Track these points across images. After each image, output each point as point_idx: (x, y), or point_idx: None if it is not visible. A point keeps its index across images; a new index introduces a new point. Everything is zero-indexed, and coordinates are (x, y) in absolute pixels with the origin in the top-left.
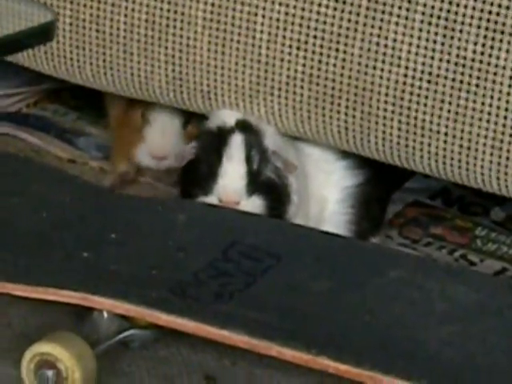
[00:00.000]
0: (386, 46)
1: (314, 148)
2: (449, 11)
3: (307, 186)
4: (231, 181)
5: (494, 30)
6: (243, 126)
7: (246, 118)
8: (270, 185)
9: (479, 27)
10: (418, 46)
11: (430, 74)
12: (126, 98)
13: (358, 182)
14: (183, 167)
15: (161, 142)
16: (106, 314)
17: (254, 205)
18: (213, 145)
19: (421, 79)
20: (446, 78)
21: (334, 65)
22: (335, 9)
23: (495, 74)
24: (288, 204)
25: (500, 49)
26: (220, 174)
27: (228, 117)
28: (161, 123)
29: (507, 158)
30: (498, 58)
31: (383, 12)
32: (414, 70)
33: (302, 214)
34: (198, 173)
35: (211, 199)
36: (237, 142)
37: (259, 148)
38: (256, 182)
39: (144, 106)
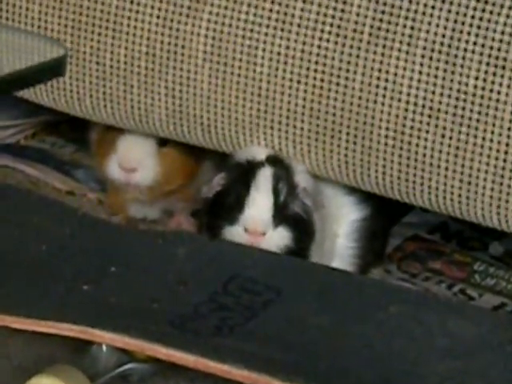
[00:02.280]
0: (386, 80)
1: (327, 184)
2: (450, 46)
3: (324, 223)
4: (258, 211)
5: (496, 65)
6: (273, 161)
7: (277, 154)
8: (296, 219)
9: (480, 62)
10: (418, 81)
11: (430, 108)
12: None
13: (363, 216)
14: (210, 198)
15: (130, 153)
16: (105, 348)
17: (280, 237)
18: (241, 177)
19: (421, 113)
20: (446, 112)
21: (335, 99)
22: (336, 43)
23: (496, 109)
24: (311, 241)
25: (501, 84)
26: (247, 204)
27: (258, 152)
28: (134, 136)
29: (507, 194)
30: (499, 93)
31: (384, 46)
32: (415, 104)
33: (319, 250)
34: (225, 203)
35: (237, 229)
36: (266, 174)
37: (288, 182)
38: (282, 215)
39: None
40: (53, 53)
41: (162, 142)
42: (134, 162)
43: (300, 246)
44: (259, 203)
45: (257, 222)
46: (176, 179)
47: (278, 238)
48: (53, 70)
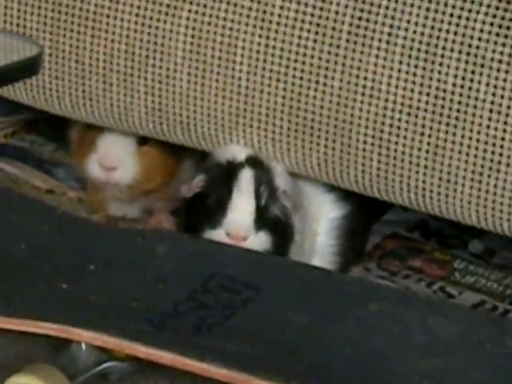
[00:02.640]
0: (365, 78)
1: (306, 182)
2: (428, 44)
3: (304, 222)
4: (241, 216)
5: (474, 63)
6: (253, 162)
7: (257, 155)
8: (276, 222)
9: (459, 60)
10: (397, 79)
11: (409, 106)
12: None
13: (343, 214)
14: (189, 199)
15: (110, 151)
16: (84, 346)
17: (261, 241)
18: (222, 179)
19: (400, 111)
20: (425, 110)
21: (314, 97)
22: (315, 41)
23: (475, 106)
24: (291, 243)
25: (480, 82)
26: (229, 208)
27: (238, 152)
28: (114, 135)
29: (486, 191)
30: (477, 90)
31: (363, 44)
32: (394, 102)
33: (300, 249)
34: (205, 206)
35: (218, 233)
36: (247, 177)
37: (268, 185)
38: (263, 219)
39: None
40: (28, 51)
41: (142, 141)
42: (114, 161)
43: (279, 249)
44: (242, 207)
45: (239, 227)
46: (156, 178)
47: (258, 243)
48: (28, 68)
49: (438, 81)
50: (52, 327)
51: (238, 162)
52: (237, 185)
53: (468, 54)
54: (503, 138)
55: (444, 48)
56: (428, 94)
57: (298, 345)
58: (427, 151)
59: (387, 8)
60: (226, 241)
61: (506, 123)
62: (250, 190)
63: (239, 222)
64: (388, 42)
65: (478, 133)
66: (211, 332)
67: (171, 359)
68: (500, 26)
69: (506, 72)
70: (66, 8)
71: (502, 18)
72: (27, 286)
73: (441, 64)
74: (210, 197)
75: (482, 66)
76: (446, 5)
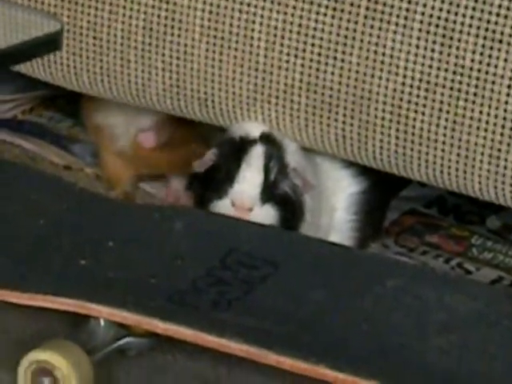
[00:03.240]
0: (383, 54)
1: (324, 157)
2: (447, 20)
3: (320, 197)
4: (246, 186)
5: (492, 39)
6: (266, 139)
7: (271, 132)
8: (285, 198)
9: (477, 36)
10: (416, 55)
11: (427, 82)
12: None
13: (361, 189)
14: (202, 173)
15: None
16: (103, 322)
17: (266, 214)
18: (233, 153)
19: (419, 88)
20: (443, 86)
21: (332, 73)
22: (333, 17)
23: (493, 82)
24: (300, 221)
25: (498, 57)
26: (236, 180)
27: (252, 128)
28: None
29: (505, 167)
30: (495, 66)
31: (381, 20)
32: (412, 78)
33: (314, 225)
34: (215, 178)
35: (225, 203)
36: (258, 152)
37: (279, 161)
38: (271, 193)
39: None
40: (49, 27)
41: None
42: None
43: (287, 225)
44: (248, 179)
45: (244, 197)
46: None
47: (264, 215)
48: (49, 44)
49: (456, 57)
50: (70, 303)
51: (251, 138)
52: (247, 159)
53: (486, 29)
54: None
55: (462, 24)
56: (446, 70)
57: (316, 320)
58: (445, 127)
59: None
60: (232, 211)
61: None
62: (259, 164)
63: (245, 192)
64: (406, 18)
65: (497, 109)
66: (230, 308)
67: (190, 335)
68: None
69: None
70: None
71: None
72: (46, 262)
73: (459, 40)
74: (220, 170)
75: (500, 41)
76: None
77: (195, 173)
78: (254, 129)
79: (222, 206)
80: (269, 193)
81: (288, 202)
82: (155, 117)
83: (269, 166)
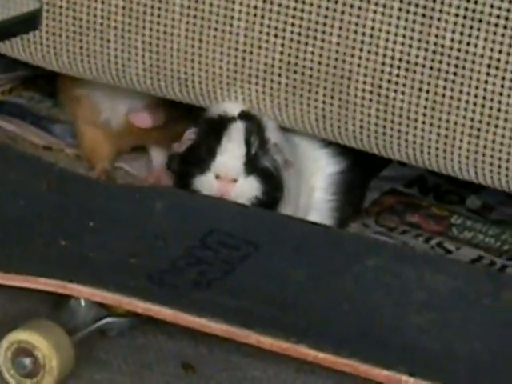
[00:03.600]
0: (363, 34)
1: (302, 137)
2: None
3: (299, 177)
4: (229, 158)
5: (472, 19)
6: (246, 116)
7: (250, 110)
8: (266, 172)
9: (457, 15)
10: (395, 34)
11: (407, 62)
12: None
13: (340, 169)
14: (182, 152)
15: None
16: (83, 302)
17: (250, 186)
18: (213, 130)
19: (399, 67)
20: (423, 66)
21: (312, 53)
22: None
23: (473, 62)
24: (280, 197)
25: (478, 37)
26: (219, 152)
27: (231, 108)
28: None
29: (484, 146)
30: (475, 46)
31: (361, 0)
32: (392, 58)
33: (293, 205)
34: (196, 155)
35: (208, 177)
36: (238, 127)
37: (259, 137)
38: (254, 166)
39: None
40: (28, 6)
41: None
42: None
43: (268, 200)
44: (231, 151)
45: (228, 168)
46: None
47: (248, 188)
48: (28, 23)
49: (436, 36)
50: (51, 283)
51: (230, 116)
52: (227, 134)
53: (466, 8)
54: (501, 94)
55: (442, 3)
56: (426, 50)
57: (297, 300)
58: (425, 107)
59: None
60: (216, 185)
61: (503, 78)
62: (240, 138)
63: (228, 163)
64: None
65: (476, 88)
66: (210, 287)
67: (170, 315)
68: None
69: (505, 27)
70: None
71: None
72: (26, 242)
73: (439, 19)
74: (200, 147)
75: (480, 20)
76: None
77: (174, 153)
78: (233, 107)
79: (206, 181)
80: (251, 165)
81: (269, 176)
82: (148, 96)
83: (250, 140)
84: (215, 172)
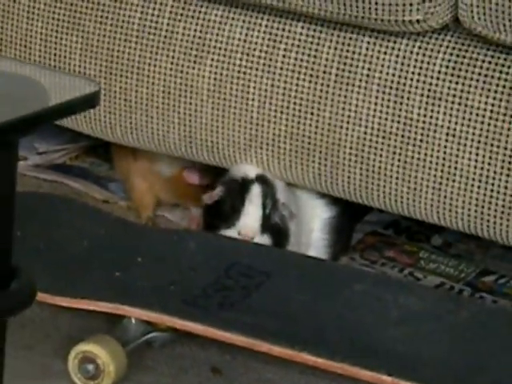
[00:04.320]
0: (350, 110)
1: (303, 190)
2: (398, 83)
3: (300, 222)
4: (251, 220)
5: (434, 98)
6: (261, 179)
7: (264, 174)
8: (276, 228)
9: (422, 95)
10: (374, 110)
11: (384, 131)
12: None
13: (333, 215)
14: (210, 205)
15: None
16: (134, 320)
17: (264, 241)
18: (237, 191)
19: (377, 136)
20: (396, 134)
21: (310, 125)
22: (310, 82)
23: (435, 131)
24: (287, 244)
25: (438, 112)
26: (242, 214)
27: (249, 170)
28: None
29: (445, 197)
30: (436, 118)
31: (347, 84)
32: (372, 128)
33: (297, 244)
34: (223, 210)
35: (233, 232)
36: (256, 192)
37: (272, 198)
38: (267, 224)
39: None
40: (89, 88)
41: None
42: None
43: (277, 246)
44: (251, 214)
45: (249, 229)
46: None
47: (264, 242)
48: (88, 103)
49: (406, 112)
50: (108, 306)
51: (249, 179)
52: (248, 197)
53: (429, 90)
54: (457, 156)
55: (410, 86)
56: (398, 122)
57: (300, 318)
58: (398, 166)
59: (365, 56)
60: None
61: (459, 144)
62: (258, 202)
63: (249, 225)
64: (367, 82)
65: (438, 151)
66: (232, 308)
67: (202, 329)
68: (453, 68)
69: (459, 104)
70: (117, 58)
71: (455, 62)
72: (89, 273)
73: (408, 99)
74: (226, 204)
75: (440, 99)
76: (411, 52)
77: (206, 204)
78: (251, 170)
79: (230, 234)
80: (265, 224)
81: (279, 231)
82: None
83: (265, 203)
84: (238, 229)
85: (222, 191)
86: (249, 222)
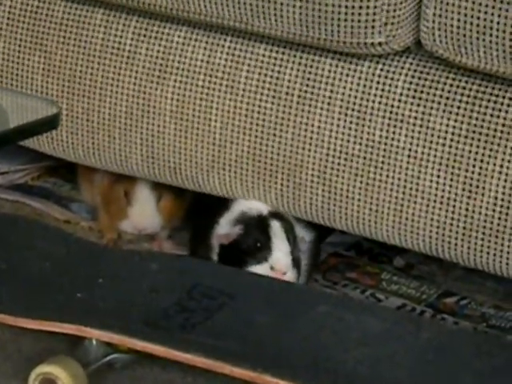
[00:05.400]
0: (312, 131)
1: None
2: (360, 105)
3: None
4: (283, 255)
5: (396, 120)
6: (277, 216)
7: (277, 210)
8: (297, 262)
9: (384, 117)
10: (337, 132)
11: (346, 153)
12: (109, 176)
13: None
14: (232, 243)
15: (141, 218)
16: (95, 342)
17: (293, 275)
18: (256, 227)
19: (339, 157)
20: (358, 156)
21: (272, 146)
22: (273, 103)
23: (396, 153)
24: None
25: (400, 134)
26: (273, 249)
27: (261, 206)
28: (140, 204)
29: (406, 218)
30: (398, 140)
31: (310, 106)
32: (334, 150)
33: None
34: (247, 248)
35: (264, 267)
36: (277, 226)
37: (292, 233)
38: (294, 259)
39: (125, 185)
40: (49, 111)
41: (159, 198)
42: (146, 225)
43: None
44: (282, 249)
45: (283, 264)
46: (170, 219)
47: (292, 277)
48: (49, 124)
49: (368, 133)
50: (69, 327)
51: (266, 215)
52: (272, 232)
53: (391, 112)
54: (418, 177)
55: (372, 108)
56: (360, 144)
57: (263, 339)
58: (360, 188)
59: (328, 77)
60: (270, 274)
61: (420, 166)
62: (283, 237)
63: (283, 259)
64: (329, 104)
65: (399, 173)
66: (194, 330)
67: (163, 351)
68: (415, 91)
69: (420, 126)
70: (79, 79)
71: (417, 85)
72: (51, 295)
73: (370, 120)
74: (248, 241)
75: (402, 121)
76: (373, 74)
77: (219, 245)
78: (262, 207)
79: (261, 270)
80: (293, 260)
81: (299, 265)
82: None
83: (289, 238)
84: (271, 265)
85: (242, 229)
86: (282, 257)
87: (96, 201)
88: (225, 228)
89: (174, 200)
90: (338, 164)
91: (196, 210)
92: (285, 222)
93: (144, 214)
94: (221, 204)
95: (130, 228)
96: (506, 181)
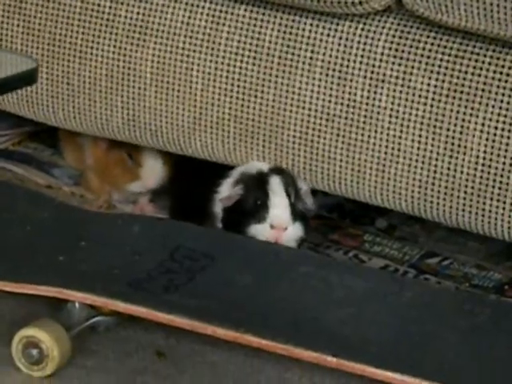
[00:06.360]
0: (293, 92)
1: None
2: (341, 65)
3: None
4: (281, 211)
5: (377, 80)
6: (278, 171)
7: (279, 166)
8: (302, 215)
9: (365, 77)
10: (318, 92)
11: (328, 114)
12: (106, 141)
13: None
14: (233, 205)
15: (153, 177)
16: (77, 305)
17: (296, 230)
18: (256, 185)
19: (321, 118)
20: (340, 116)
21: (254, 108)
22: (253, 64)
23: (378, 113)
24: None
25: (381, 94)
26: (270, 206)
27: (261, 165)
28: (151, 163)
29: (388, 178)
30: (380, 100)
31: (290, 66)
32: (316, 110)
33: None
34: (248, 208)
35: (264, 226)
36: (276, 182)
37: (294, 187)
38: (294, 213)
39: (128, 148)
40: (27, 65)
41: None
42: (157, 183)
43: (305, 237)
44: (279, 204)
45: (281, 219)
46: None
47: (295, 232)
48: (26, 79)
49: (349, 93)
50: (52, 290)
51: (266, 172)
52: (270, 188)
53: (372, 72)
54: (400, 137)
55: (353, 68)
56: (342, 104)
57: (244, 300)
58: (342, 148)
59: (308, 38)
60: (270, 232)
61: (402, 125)
62: (282, 192)
63: (281, 215)
64: (310, 65)
65: (381, 133)
66: (177, 291)
67: (146, 313)
68: (396, 50)
69: (402, 86)
70: (59, 42)
71: (398, 44)
72: (32, 259)
73: (351, 80)
74: (249, 201)
75: (383, 81)
76: (354, 34)
77: (223, 208)
78: (263, 165)
79: (262, 229)
80: (293, 213)
81: (305, 218)
82: None
83: (288, 191)
84: (270, 222)
85: (242, 189)
86: (279, 213)
87: (84, 165)
88: (226, 191)
89: (170, 159)
90: (320, 125)
91: (180, 176)
92: (285, 177)
93: (155, 172)
94: (215, 173)
95: (138, 188)
96: (487, 139)
